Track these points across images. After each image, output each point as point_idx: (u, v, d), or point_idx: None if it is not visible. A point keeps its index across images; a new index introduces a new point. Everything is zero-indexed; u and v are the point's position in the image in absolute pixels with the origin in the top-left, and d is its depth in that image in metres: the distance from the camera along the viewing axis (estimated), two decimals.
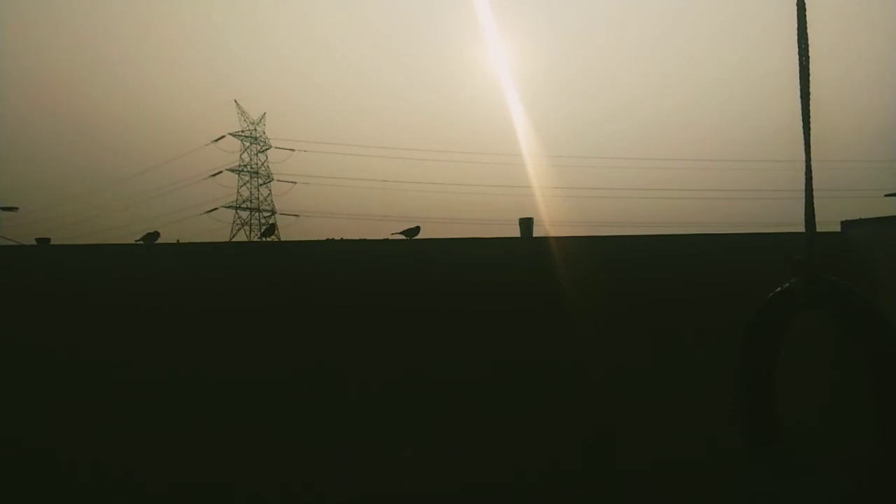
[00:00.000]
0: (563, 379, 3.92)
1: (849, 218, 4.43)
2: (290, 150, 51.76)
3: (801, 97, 2.59)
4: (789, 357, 2.68)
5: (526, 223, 6.22)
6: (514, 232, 6.34)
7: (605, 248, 4.34)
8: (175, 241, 6.09)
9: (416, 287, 4.09)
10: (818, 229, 2.61)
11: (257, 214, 49.43)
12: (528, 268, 4.22)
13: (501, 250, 4.41)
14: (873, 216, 4.36)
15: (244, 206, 49.17)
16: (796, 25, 2.60)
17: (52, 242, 7.79)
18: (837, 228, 4.44)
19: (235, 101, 50.51)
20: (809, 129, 2.59)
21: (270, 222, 46.05)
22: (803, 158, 2.58)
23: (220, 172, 48.70)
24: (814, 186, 2.58)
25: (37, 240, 8.44)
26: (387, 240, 5.07)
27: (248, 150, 49.95)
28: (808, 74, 2.58)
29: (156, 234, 5.97)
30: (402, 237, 5.53)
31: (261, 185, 50.22)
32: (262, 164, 50.68)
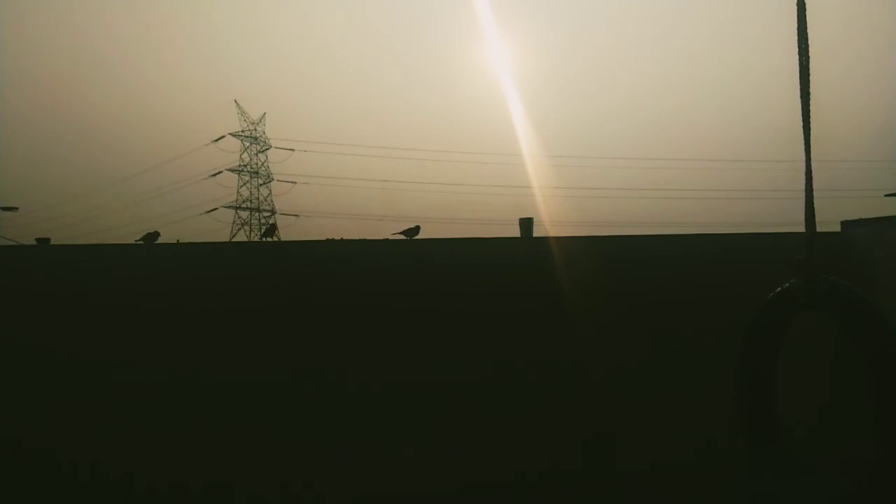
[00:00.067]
0: (563, 379, 3.92)
1: (849, 218, 4.44)
2: (290, 150, 51.79)
3: (801, 97, 2.59)
4: (789, 357, 2.68)
5: (526, 223, 6.22)
6: (514, 232, 6.34)
7: (605, 248, 4.34)
8: (175, 241, 6.09)
9: (416, 287, 4.09)
10: (818, 229, 2.61)
11: (257, 214, 49.44)
12: (528, 268, 4.22)
13: (501, 250, 4.41)
14: (873, 216, 4.36)
15: (244, 206, 49.19)
16: (796, 25, 2.60)
17: (52, 242, 7.79)
18: (837, 228, 4.44)
19: (235, 101, 50.56)
20: (809, 129, 2.59)
21: (270, 222, 46.08)
22: (803, 158, 2.58)
23: (220, 172, 48.73)
24: (814, 186, 2.58)
25: (37, 240, 8.43)
26: (387, 240, 5.07)
27: (248, 150, 49.98)
28: (808, 74, 2.58)
29: (156, 234, 5.97)
30: (403, 237, 5.53)
31: (261, 185, 50.25)
32: (262, 164, 50.70)
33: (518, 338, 3.97)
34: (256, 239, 44.73)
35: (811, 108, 2.59)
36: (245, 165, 49.61)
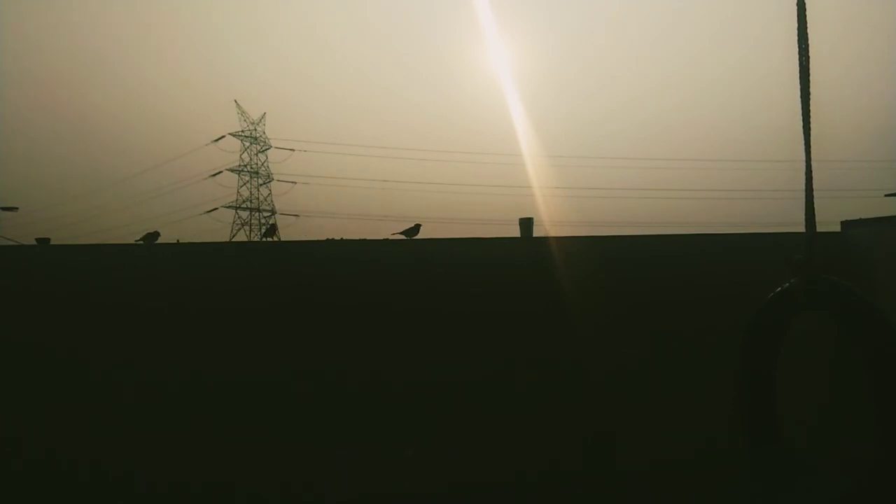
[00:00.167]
0: (563, 379, 3.92)
1: (849, 218, 4.43)
2: (290, 150, 51.86)
3: (801, 97, 2.59)
4: (789, 357, 2.68)
5: (526, 223, 6.22)
6: (514, 232, 6.33)
7: (605, 248, 4.34)
8: (175, 241, 6.09)
9: (416, 287, 4.09)
10: (818, 229, 2.61)
11: (257, 214, 49.47)
12: (528, 268, 4.22)
13: (501, 250, 4.41)
14: (873, 216, 4.36)
15: (244, 206, 49.23)
16: (796, 25, 2.60)
17: (52, 242, 7.80)
18: (837, 228, 4.44)
19: (235, 101, 50.64)
20: (809, 129, 2.59)
21: (271, 222, 46.09)
22: (803, 158, 2.58)
23: (220, 172, 48.79)
24: (814, 186, 2.58)
25: (37, 240, 8.45)
26: (387, 240, 5.07)
27: (248, 150, 50.03)
28: (808, 74, 2.58)
29: (156, 234, 5.97)
30: (403, 237, 5.52)
31: (261, 185, 50.28)
32: (262, 164, 50.75)
33: (518, 338, 3.97)
34: (256, 239, 44.71)
35: (811, 108, 2.58)
36: (245, 165, 49.66)
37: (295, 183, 51.29)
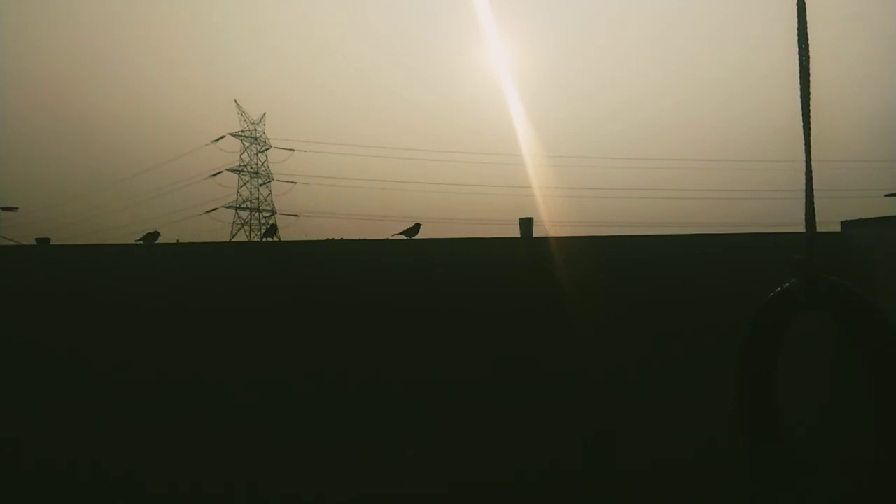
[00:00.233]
0: (563, 379, 3.92)
1: (849, 218, 4.43)
2: (290, 150, 51.86)
3: (801, 97, 2.59)
4: (789, 357, 2.68)
5: (526, 223, 6.21)
6: (514, 232, 6.33)
7: (605, 248, 4.34)
8: (175, 241, 6.09)
9: (416, 287, 4.09)
10: (818, 229, 2.61)
11: (257, 214, 49.47)
12: (528, 268, 4.22)
13: (501, 250, 4.41)
14: (873, 216, 4.36)
15: (244, 206, 49.22)
16: (796, 25, 2.60)
17: (52, 242, 7.80)
18: (837, 228, 4.44)
19: (235, 101, 50.62)
20: (809, 129, 2.59)
21: (271, 222, 46.10)
22: (803, 158, 2.58)
23: (220, 172, 48.78)
24: (814, 186, 2.58)
25: (37, 240, 8.45)
26: (387, 240, 5.07)
27: (248, 150, 50.02)
28: (808, 74, 2.58)
29: (156, 234, 5.97)
30: (403, 237, 5.52)
31: (261, 185, 50.28)
32: (262, 164, 50.75)
33: (518, 338, 3.97)
34: (256, 239, 44.73)
35: (811, 108, 2.58)
36: (245, 165, 49.66)
37: (295, 183, 51.33)
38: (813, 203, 2.60)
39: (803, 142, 2.59)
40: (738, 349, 2.72)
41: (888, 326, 2.32)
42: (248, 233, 48.39)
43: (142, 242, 5.71)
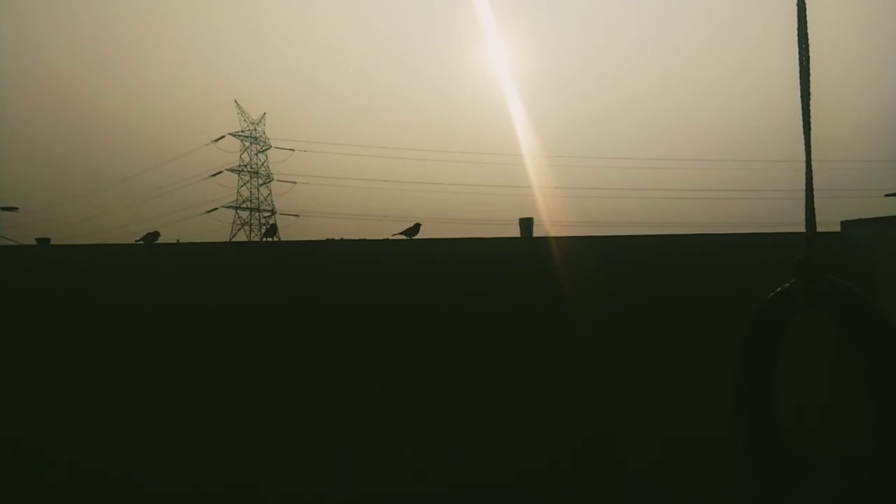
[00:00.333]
0: (563, 379, 3.92)
1: (849, 218, 4.43)
2: (290, 150, 51.89)
3: (802, 97, 2.59)
4: (789, 357, 2.68)
5: (526, 223, 6.22)
6: (514, 232, 6.33)
7: (605, 248, 4.34)
8: (175, 241, 6.09)
9: (416, 287, 4.09)
10: (818, 229, 2.61)
11: (257, 214, 49.48)
12: (528, 268, 4.22)
13: (501, 250, 4.41)
14: (873, 216, 4.35)
15: (244, 206, 49.24)
16: (796, 25, 2.60)
17: (52, 242, 7.80)
18: (837, 228, 4.44)
19: (235, 101, 50.66)
20: (809, 129, 2.58)
21: (271, 222, 46.11)
22: (803, 158, 2.58)
23: (220, 172, 48.81)
24: (814, 186, 2.58)
25: (37, 240, 8.45)
26: (387, 240, 5.07)
27: (248, 150, 50.05)
28: (809, 74, 2.57)
29: (156, 234, 5.97)
30: (403, 237, 5.51)
31: (261, 185, 50.29)
32: (262, 164, 50.77)
33: (518, 338, 3.97)
34: (256, 239, 44.73)
35: (811, 108, 2.58)
36: (245, 165, 49.68)
37: (295, 183, 51.36)
38: (813, 203, 2.60)
39: (803, 142, 2.59)
40: (738, 349, 2.72)
41: (888, 326, 2.31)
42: (248, 233, 48.41)
43: (142, 242, 5.71)
